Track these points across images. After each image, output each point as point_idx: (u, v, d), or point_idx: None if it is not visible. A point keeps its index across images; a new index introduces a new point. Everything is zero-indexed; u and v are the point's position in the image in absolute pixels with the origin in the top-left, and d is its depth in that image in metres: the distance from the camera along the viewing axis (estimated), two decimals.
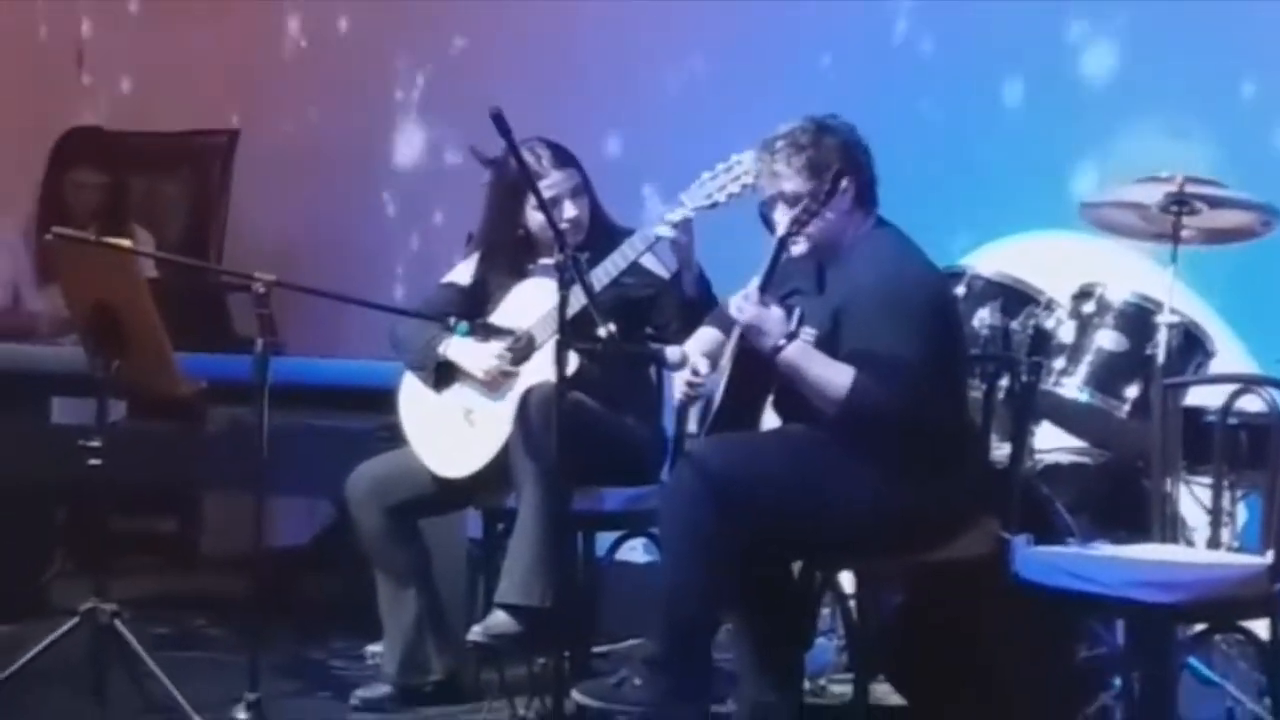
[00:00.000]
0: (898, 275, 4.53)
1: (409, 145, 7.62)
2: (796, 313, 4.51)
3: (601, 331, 4.38)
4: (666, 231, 4.92)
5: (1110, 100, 6.19)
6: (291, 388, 5.09)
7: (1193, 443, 4.91)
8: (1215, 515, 4.72)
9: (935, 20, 6.50)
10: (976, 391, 4.88)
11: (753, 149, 4.69)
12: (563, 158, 5.13)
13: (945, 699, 4.77)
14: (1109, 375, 5.10)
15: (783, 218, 4.53)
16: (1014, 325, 5.17)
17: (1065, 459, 5.33)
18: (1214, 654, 4.85)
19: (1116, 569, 4.31)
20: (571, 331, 4.39)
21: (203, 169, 7.57)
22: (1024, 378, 4.90)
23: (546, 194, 4.86)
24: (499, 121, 4.32)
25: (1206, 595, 4.28)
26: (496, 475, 4.97)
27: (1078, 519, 4.99)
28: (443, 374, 5.13)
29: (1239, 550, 4.83)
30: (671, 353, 4.63)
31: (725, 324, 4.69)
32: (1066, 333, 5.15)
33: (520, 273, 5.16)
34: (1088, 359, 5.12)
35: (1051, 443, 5.35)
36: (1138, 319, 5.10)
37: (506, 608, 4.81)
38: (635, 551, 5.29)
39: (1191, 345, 5.10)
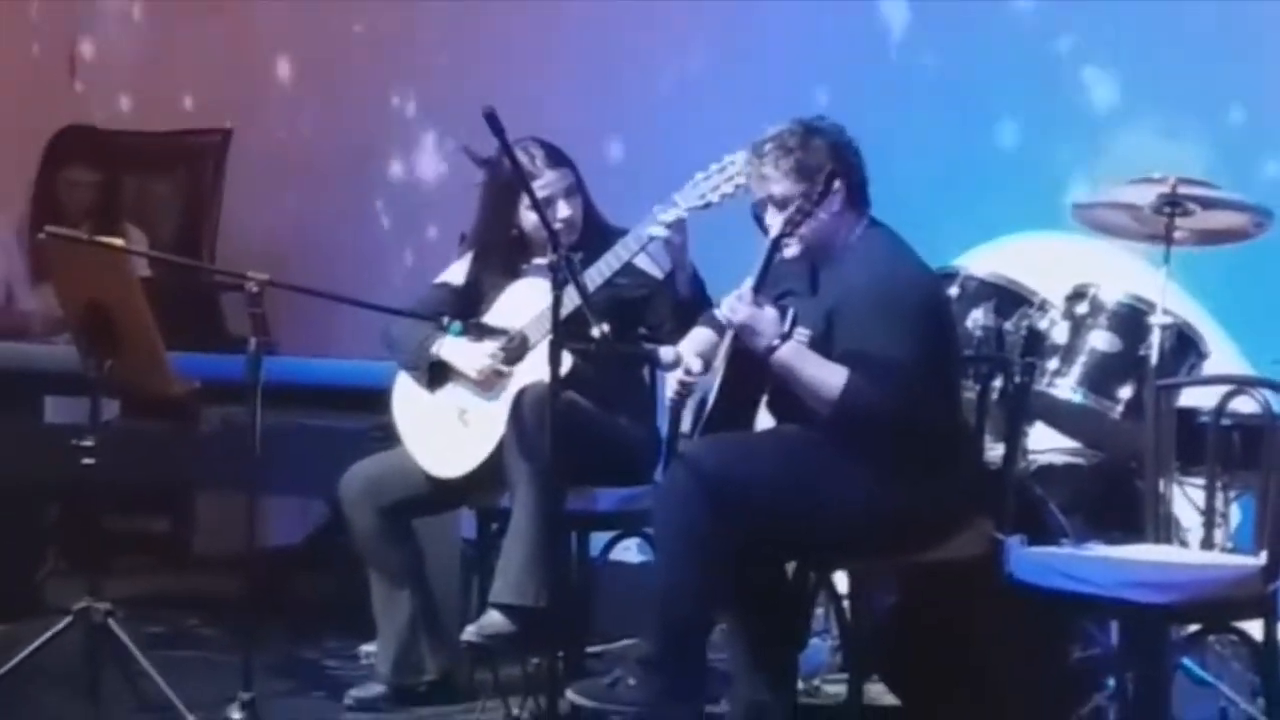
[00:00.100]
0: (891, 276, 4.53)
1: (403, 149, 7.62)
2: (790, 313, 4.51)
3: (595, 332, 4.37)
4: (660, 231, 4.92)
5: (1105, 103, 6.19)
6: (285, 387, 5.09)
7: (1186, 444, 4.91)
8: (1209, 516, 4.72)
9: (931, 25, 6.50)
10: (970, 392, 4.88)
11: (745, 150, 4.69)
12: (556, 157, 5.12)
13: (939, 699, 4.77)
14: (1102, 376, 5.11)
15: (773, 220, 4.53)
16: (1007, 326, 5.17)
17: (1059, 460, 5.33)
18: (1208, 654, 4.86)
19: (1110, 570, 4.32)
20: (565, 331, 4.39)
21: (196, 168, 7.57)
22: (1017, 378, 4.90)
23: (540, 194, 4.86)
24: (492, 121, 4.32)
25: (1200, 596, 4.29)
26: (490, 475, 4.97)
27: (1071, 519, 4.99)
28: (436, 374, 5.12)
29: (1232, 551, 4.83)
30: (665, 353, 4.64)
31: (719, 324, 4.69)
32: (1060, 333, 5.16)
33: (514, 273, 5.16)
34: (1081, 360, 5.13)
35: (1045, 443, 5.36)
36: (1131, 320, 5.11)
37: (501, 607, 4.81)
38: (629, 552, 5.29)
39: (1184, 346, 5.11)
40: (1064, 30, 6.25)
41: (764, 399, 4.65)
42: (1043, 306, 5.21)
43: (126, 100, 8.19)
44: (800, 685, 4.93)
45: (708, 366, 4.64)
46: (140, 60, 8.17)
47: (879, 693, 4.92)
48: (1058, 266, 5.59)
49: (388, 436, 5.22)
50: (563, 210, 5.07)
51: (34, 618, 5.42)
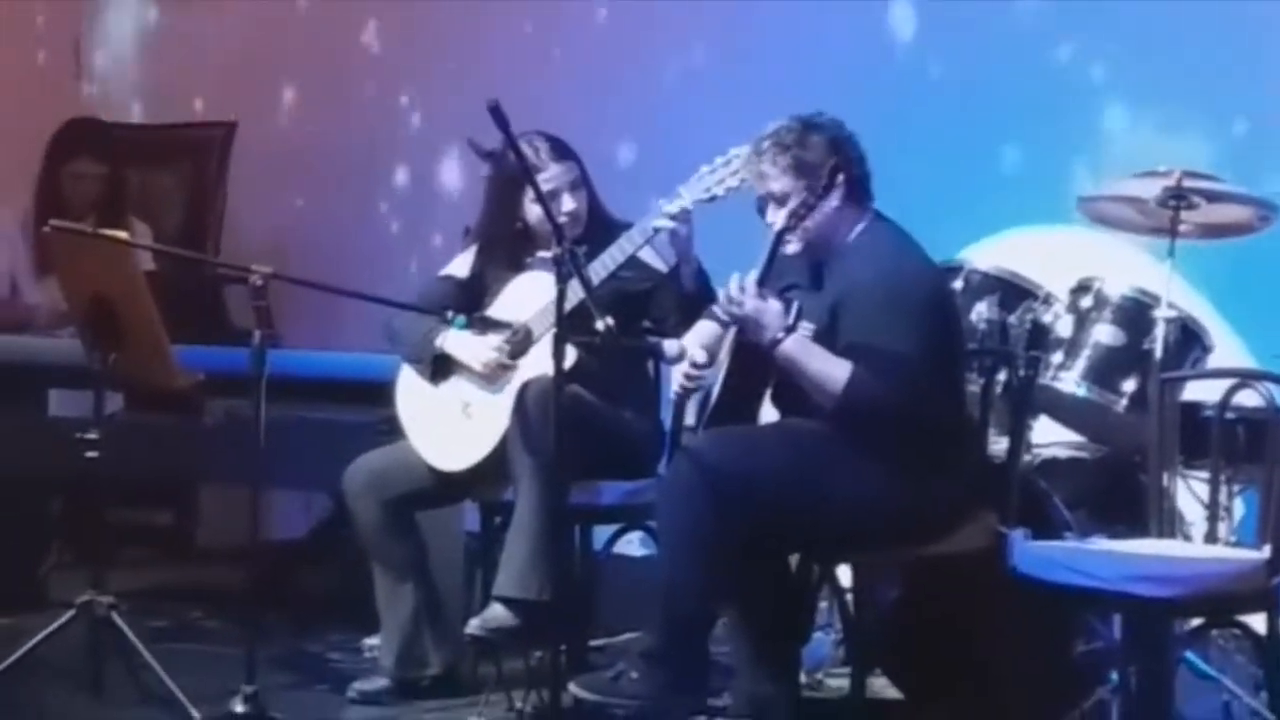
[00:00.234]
0: (896, 270, 4.53)
1: (408, 146, 7.62)
2: (795, 306, 4.51)
3: (599, 325, 4.37)
4: (665, 223, 4.91)
5: (1108, 96, 6.18)
6: (289, 380, 5.08)
7: (1190, 437, 4.91)
8: (1212, 510, 4.71)
9: (934, 20, 6.49)
10: (974, 386, 4.88)
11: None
12: (561, 151, 5.12)
13: (942, 693, 4.77)
14: (1107, 370, 5.11)
15: (774, 217, 4.53)
16: (1012, 319, 5.17)
17: (1063, 453, 5.33)
18: (1211, 648, 4.85)
19: (1113, 563, 4.32)
20: (569, 325, 4.39)
21: (200, 161, 7.56)
22: (1022, 372, 4.91)
23: (545, 187, 4.86)
24: (496, 114, 4.32)
25: (1203, 590, 4.29)
26: (494, 468, 4.97)
27: (1075, 513, 4.99)
28: (440, 367, 5.12)
29: (1236, 545, 4.81)
30: (669, 346, 4.63)
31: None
32: (1064, 327, 5.16)
33: (518, 266, 5.16)
34: (1085, 353, 5.13)
35: (1049, 437, 5.36)
36: (1135, 313, 5.10)
37: (504, 601, 4.81)
38: (632, 545, 5.28)
39: (1189, 340, 5.10)
40: (1068, 36, 6.24)
41: (768, 392, 4.66)
42: (1047, 300, 5.20)
43: (134, 100, 8.20)
44: (803, 679, 4.93)
45: (712, 360, 4.64)
46: (148, 59, 8.18)
47: (882, 686, 4.92)
48: (1062, 260, 5.58)
49: (391, 430, 5.22)
50: (567, 203, 5.07)
51: (37, 611, 5.42)
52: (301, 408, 5.66)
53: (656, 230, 4.94)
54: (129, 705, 4.89)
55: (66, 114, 7.17)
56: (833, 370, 4.42)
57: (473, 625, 4.87)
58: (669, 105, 6.90)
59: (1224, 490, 4.83)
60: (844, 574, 4.77)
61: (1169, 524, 4.82)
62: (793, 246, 4.55)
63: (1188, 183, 5.03)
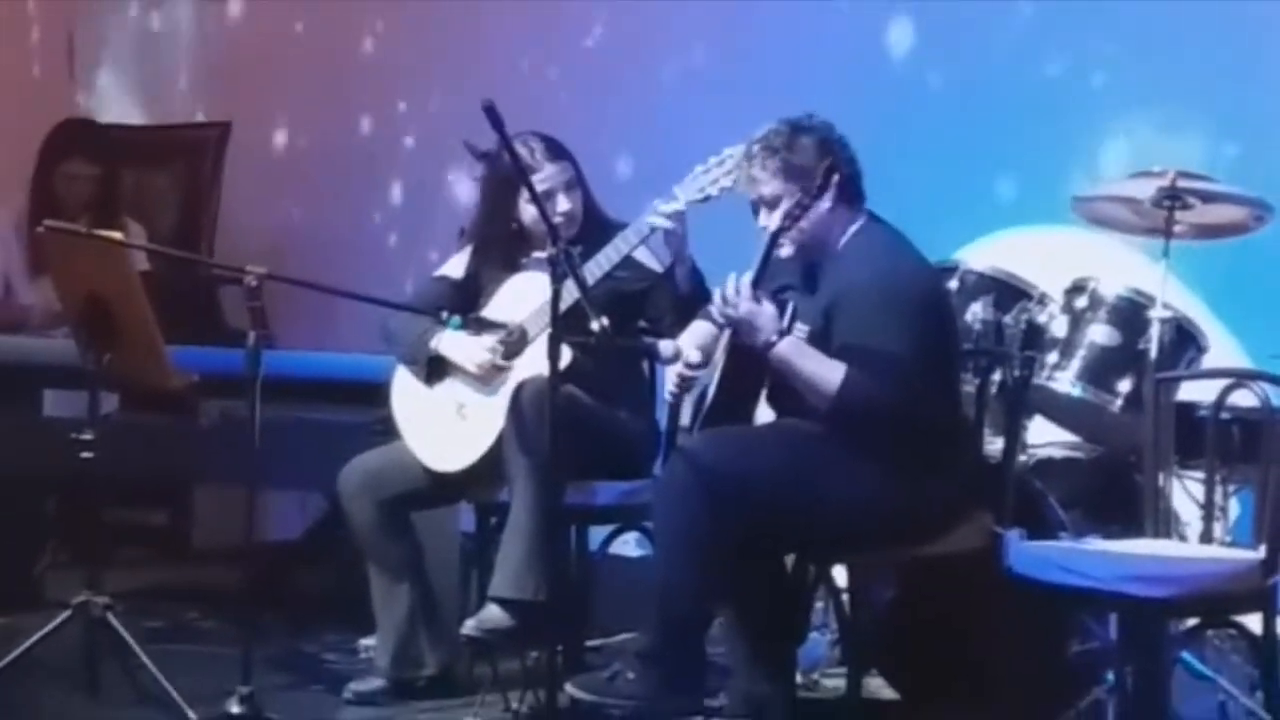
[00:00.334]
0: (891, 271, 4.53)
1: (405, 154, 7.61)
2: (790, 308, 4.51)
3: (594, 325, 4.37)
4: (660, 221, 4.91)
5: (1103, 96, 6.18)
6: (283, 381, 5.08)
7: (1185, 437, 4.91)
8: (1208, 510, 4.72)
9: (932, 24, 6.49)
10: (969, 386, 4.88)
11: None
12: (556, 151, 5.12)
13: (938, 693, 4.77)
14: (1102, 370, 5.11)
15: (766, 221, 4.54)
16: (1007, 320, 5.17)
17: (1058, 453, 5.33)
18: (1206, 648, 4.85)
19: (1109, 563, 4.32)
20: (564, 325, 4.39)
21: (194, 162, 7.56)
22: (1017, 372, 4.90)
23: (540, 187, 4.85)
24: (491, 114, 4.32)
25: (1199, 590, 4.29)
26: (489, 469, 4.97)
27: (1070, 513, 4.99)
28: (435, 368, 5.12)
29: (1231, 545, 4.83)
30: (665, 347, 4.63)
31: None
32: (1059, 327, 5.16)
33: (513, 266, 5.16)
34: (1080, 353, 5.13)
35: (1044, 437, 5.36)
36: (1130, 314, 5.11)
37: (499, 601, 4.81)
38: (628, 545, 5.29)
39: (1184, 340, 5.11)
40: (1068, 37, 6.24)
41: (764, 393, 4.66)
42: (1042, 300, 5.21)
43: (128, 101, 8.20)
44: (799, 679, 4.93)
45: (707, 360, 4.64)
46: (142, 58, 8.18)
47: (878, 686, 4.93)
48: (1057, 260, 5.58)
49: (387, 430, 5.21)
50: (562, 204, 5.07)
51: (33, 611, 5.41)
52: (297, 408, 5.67)
53: (652, 230, 4.94)
54: (125, 706, 4.89)
55: (60, 114, 7.17)
56: (827, 372, 4.42)
57: (468, 626, 4.86)
58: (667, 110, 6.89)
59: (1219, 490, 4.85)
60: (840, 574, 4.78)
61: (1164, 524, 4.82)
62: (786, 250, 4.55)
63: (1182, 183, 5.03)
